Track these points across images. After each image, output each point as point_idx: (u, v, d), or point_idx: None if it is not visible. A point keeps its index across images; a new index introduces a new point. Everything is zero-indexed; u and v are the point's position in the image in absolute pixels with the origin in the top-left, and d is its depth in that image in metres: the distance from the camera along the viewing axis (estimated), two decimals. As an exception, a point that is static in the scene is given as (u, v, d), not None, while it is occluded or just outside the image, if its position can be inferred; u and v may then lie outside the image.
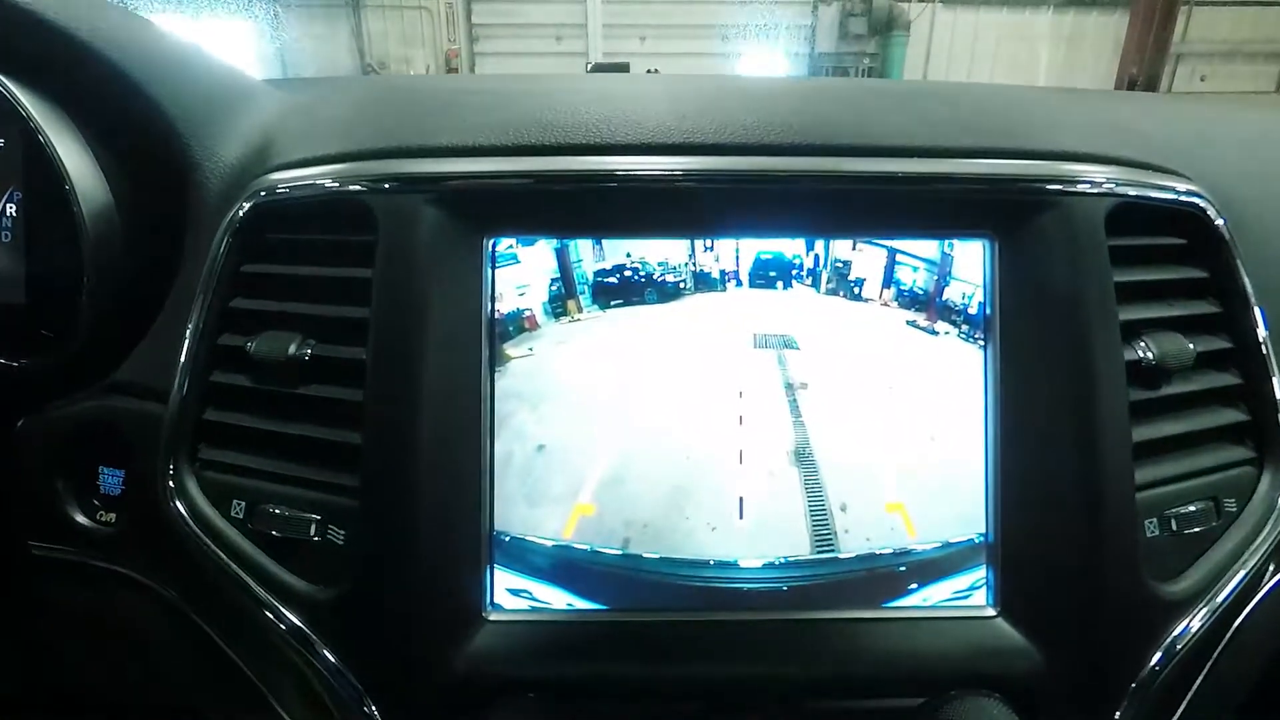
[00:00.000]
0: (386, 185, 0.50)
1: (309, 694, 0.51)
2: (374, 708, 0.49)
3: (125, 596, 0.57)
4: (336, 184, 0.51)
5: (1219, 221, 0.53)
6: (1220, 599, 0.51)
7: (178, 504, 0.51)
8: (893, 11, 10.22)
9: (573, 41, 10.39)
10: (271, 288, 0.53)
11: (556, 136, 0.52)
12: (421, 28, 10.48)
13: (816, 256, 0.52)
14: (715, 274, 0.52)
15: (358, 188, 0.51)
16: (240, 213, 0.52)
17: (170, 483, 0.52)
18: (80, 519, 0.57)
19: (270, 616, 0.50)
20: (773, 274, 0.52)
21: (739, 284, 0.52)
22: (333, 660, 0.49)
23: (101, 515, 0.57)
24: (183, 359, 0.52)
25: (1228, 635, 0.53)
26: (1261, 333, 0.53)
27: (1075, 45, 10.60)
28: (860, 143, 0.52)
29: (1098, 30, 10.46)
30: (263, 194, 0.52)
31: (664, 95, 0.57)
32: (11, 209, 0.55)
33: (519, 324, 0.52)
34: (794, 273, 0.52)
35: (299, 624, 0.49)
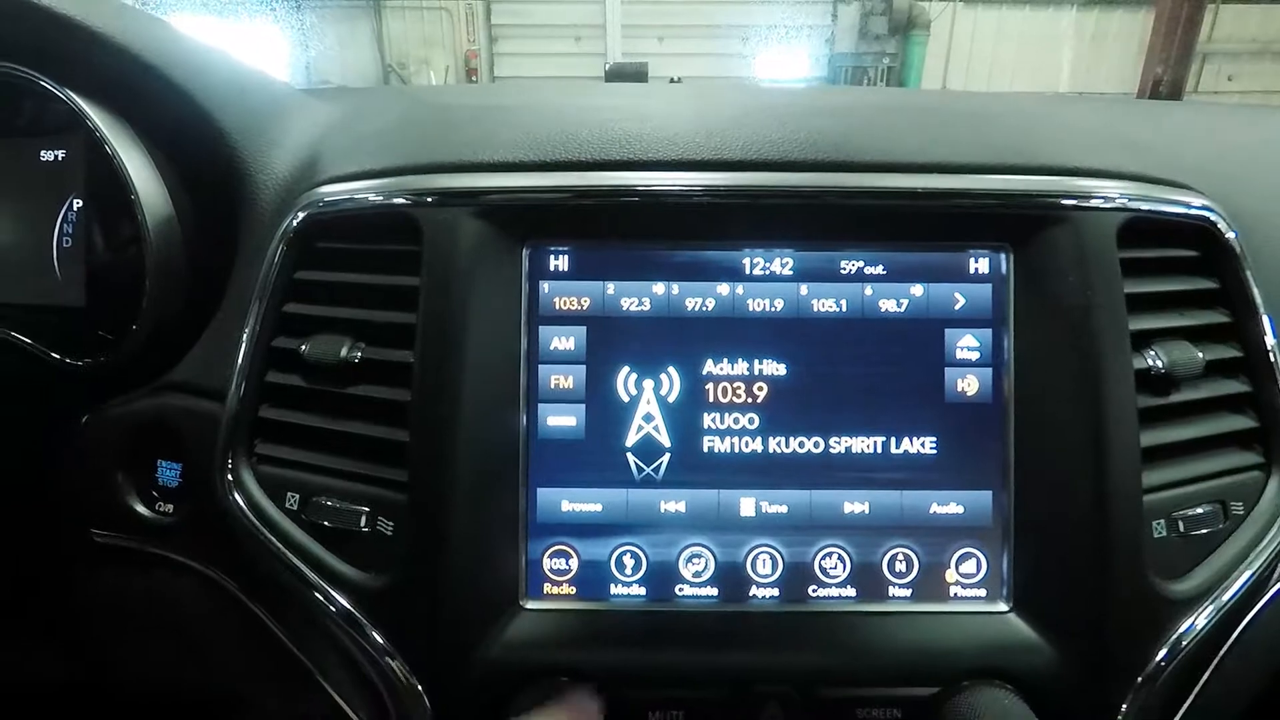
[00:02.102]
0: (430, 199, 0.53)
1: (358, 675, 0.54)
2: (420, 687, 0.52)
3: (182, 583, 0.60)
4: (383, 198, 0.54)
5: (1230, 235, 0.54)
6: (1226, 598, 0.52)
7: (236, 496, 0.55)
8: (913, 11, 10.14)
9: (591, 42, 10.41)
10: (323, 294, 0.56)
11: (591, 152, 0.54)
12: (441, 29, 10.55)
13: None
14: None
15: (403, 201, 0.53)
16: (294, 223, 0.55)
17: (229, 476, 0.55)
18: (140, 509, 0.60)
19: (322, 601, 0.53)
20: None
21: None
22: (381, 642, 0.52)
23: (160, 506, 0.61)
24: (240, 360, 0.55)
25: (1234, 634, 0.54)
26: (1270, 341, 0.55)
27: (1099, 44, 10.47)
28: (882, 159, 0.54)
29: (1122, 29, 10.32)
30: (317, 205, 0.55)
31: (694, 111, 0.59)
32: (73, 216, 0.59)
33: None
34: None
35: (349, 608, 0.52)
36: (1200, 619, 0.52)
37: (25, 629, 0.71)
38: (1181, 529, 0.53)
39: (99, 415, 0.61)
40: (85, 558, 0.63)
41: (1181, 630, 0.52)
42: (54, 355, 0.57)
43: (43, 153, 0.58)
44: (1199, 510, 0.53)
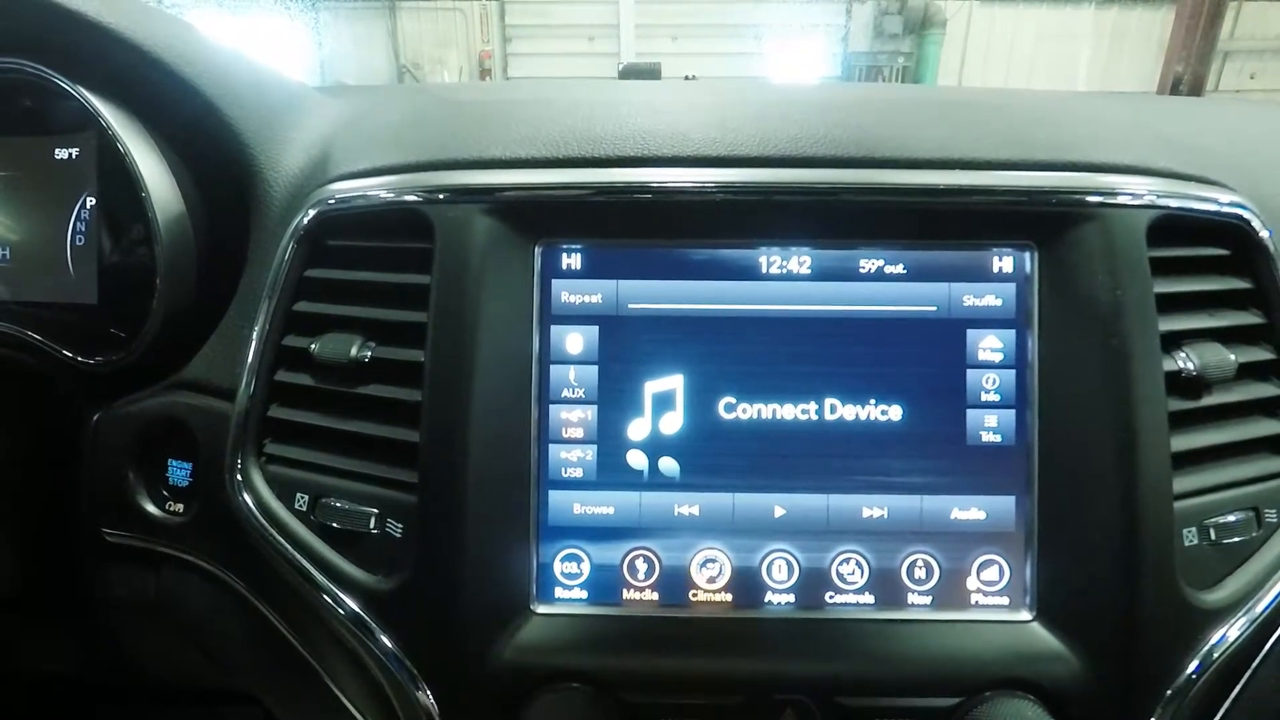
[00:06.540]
0: (442, 196, 0.53)
1: (366, 679, 0.53)
2: (428, 693, 0.51)
3: (192, 582, 0.60)
4: (395, 195, 0.53)
5: (1264, 233, 0.53)
6: (1260, 609, 0.51)
7: (244, 496, 0.54)
8: (929, 10, 10.07)
9: (605, 42, 10.42)
10: (333, 292, 0.55)
11: (605, 149, 0.54)
12: (456, 29, 10.60)
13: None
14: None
15: (415, 198, 0.53)
16: (305, 221, 0.54)
17: (238, 476, 0.54)
18: (150, 509, 0.60)
19: (330, 603, 0.52)
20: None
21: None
22: (389, 646, 0.51)
23: (170, 505, 0.60)
24: (249, 359, 0.55)
25: (1267, 646, 0.53)
26: None
27: (1118, 43, 10.34)
28: (901, 156, 0.53)
29: (1142, 27, 10.18)
30: (328, 203, 0.54)
31: (708, 107, 0.58)
32: (86, 214, 0.59)
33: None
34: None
35: (358, 611, 0.52)
36: (1233, 630, 0.50)
37: (41, 625, 0.72)
38: (1213, 537, 0.51)
39: (110, 414, 0.60)
40: (97, 556, 0.63)
41: (1213, 642, 0.50)
42: (65, 353, 0.57)
43: (57, 150, 0.59)
44: (1231, 518, 0.52)
